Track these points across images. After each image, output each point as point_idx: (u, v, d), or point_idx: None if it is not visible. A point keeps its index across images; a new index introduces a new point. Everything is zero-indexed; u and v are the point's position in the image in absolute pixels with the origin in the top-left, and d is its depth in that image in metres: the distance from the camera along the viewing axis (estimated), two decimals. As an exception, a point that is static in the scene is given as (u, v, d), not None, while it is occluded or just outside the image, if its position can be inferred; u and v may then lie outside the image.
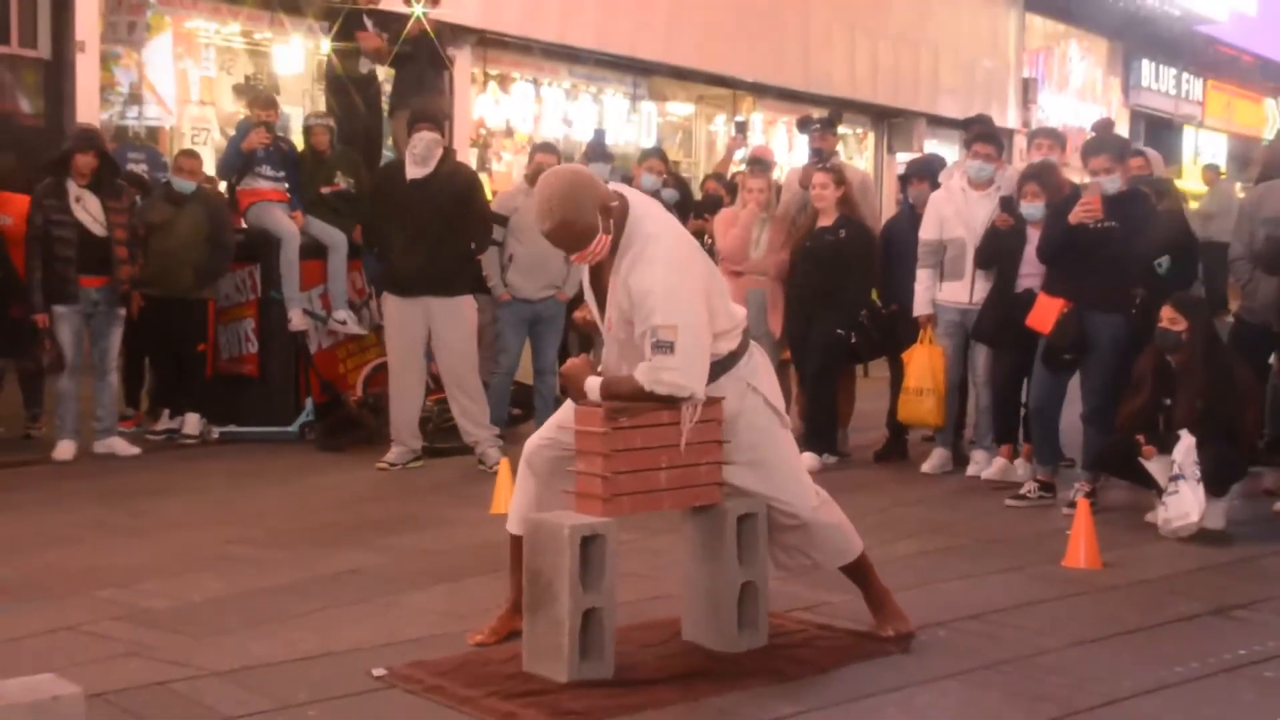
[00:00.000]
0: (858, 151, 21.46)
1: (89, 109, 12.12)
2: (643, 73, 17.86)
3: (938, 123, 22.33)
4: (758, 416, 4.50)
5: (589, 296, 4.55)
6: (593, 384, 4.31)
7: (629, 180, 9.89)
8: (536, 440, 4.61)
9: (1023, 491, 7.24)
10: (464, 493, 7.39)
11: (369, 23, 10.46)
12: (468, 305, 8.18)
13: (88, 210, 8.13)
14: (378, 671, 4.20)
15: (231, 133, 10.54)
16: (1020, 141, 21.82)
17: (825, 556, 4.72)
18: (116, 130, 12.48)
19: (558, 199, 4.20)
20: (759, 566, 4.53)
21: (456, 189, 8.04)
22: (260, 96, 9.90)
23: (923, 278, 8.08)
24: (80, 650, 4.42)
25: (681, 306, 4.16)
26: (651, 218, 4.32)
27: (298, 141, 10.20)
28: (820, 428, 8.36)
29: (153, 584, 5.35)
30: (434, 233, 7.90)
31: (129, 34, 12.73)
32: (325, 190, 9.41)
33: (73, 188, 8.10)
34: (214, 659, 4.34)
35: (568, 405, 4.50)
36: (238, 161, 9.19)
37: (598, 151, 10.37)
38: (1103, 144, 7.37)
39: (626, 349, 4.34)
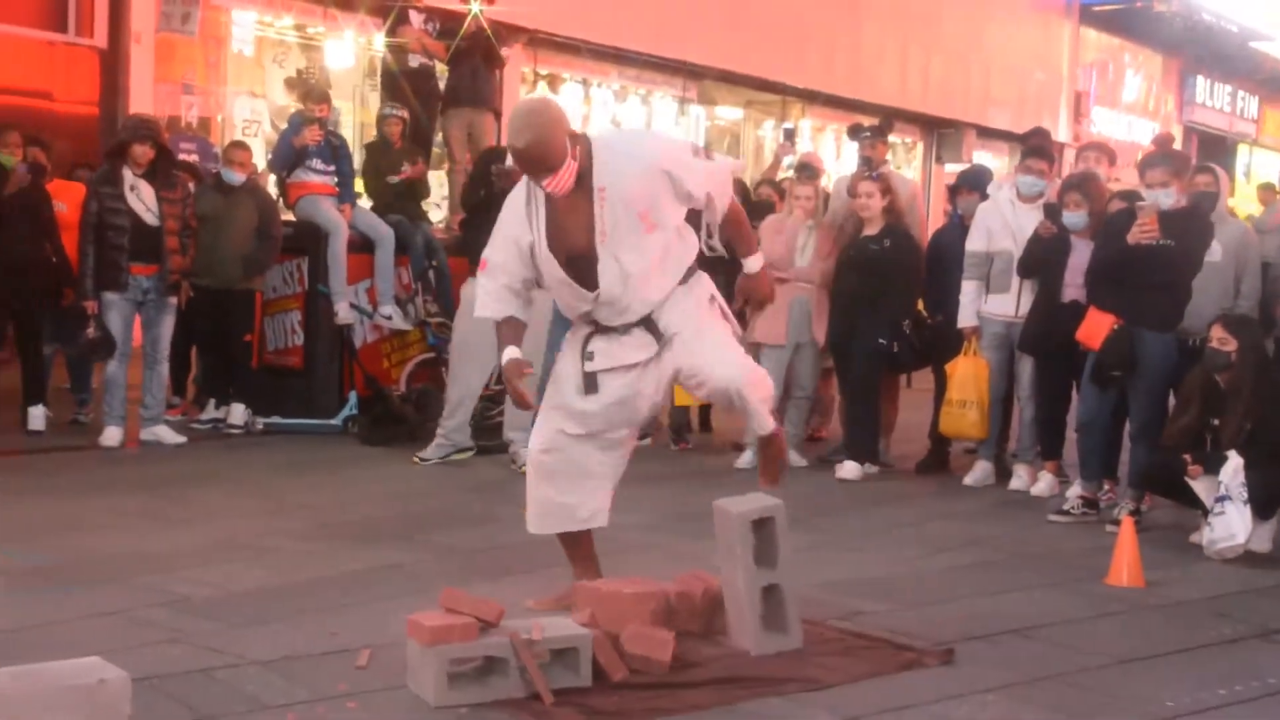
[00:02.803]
0: (906, 161, 21.39)
1: (143, 98, 12.25)
2: (692, 76, 17.87)
3: (987, 134, 22.25)
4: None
5: (542, 243, 4.62)
6: (752, 263, 5.00)
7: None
8: (543, 444, 4.89)
9: (1066, 507, 7.18)
10: (505, 491, 7.39)
11: (417, 18, 10.54)
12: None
13: (142, 199, 8.20)
14: (360, 661, 4.25)
15: (282, 125, 10.64)
16: (1070, 155, 21.68)
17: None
18: (169, 120, 12.59)
19: (535, 115, 4.47)
20: (782, 569, 4.53)
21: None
22: (314, 91, 9.98)
23: (968, 289, 8.04)
24: (123, 635, 4.46)
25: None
26: (614, 141, 4.78)
27: (348, 135, 10.30)
28: (862, 437, 8.34)
29: (195, 572, 5.39)
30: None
31: (183, 24, 12.84)
32: (392, 179, 9.55)
33: (128, 176, 8.18)
34: (255, 648, 4.38)
35: (559, 403, 4.85)
36: (290, 156, 9.27)
37: None
38: (1160, 157, 7.31)
39: (625, 249, 4.56)
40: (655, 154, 4.65)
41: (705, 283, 4.85)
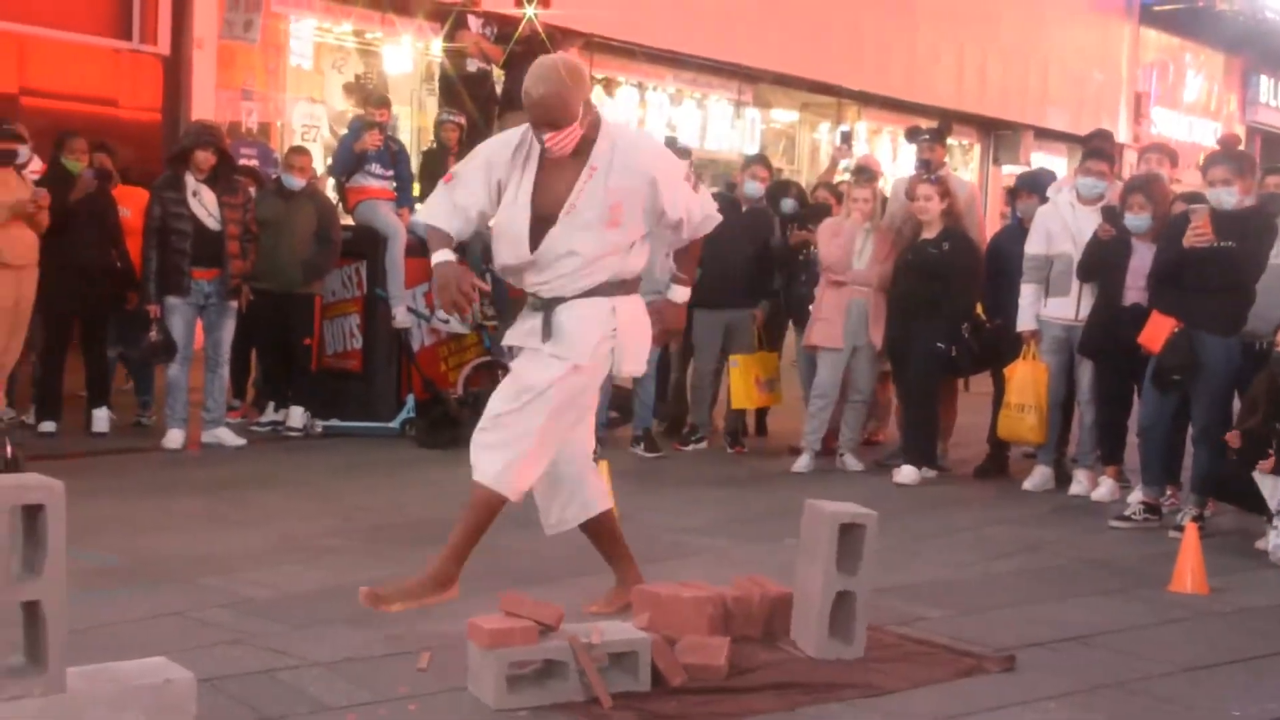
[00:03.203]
0: (963, 163, 21.25)
1: (205, 105, 12.41)
2: (748, 79, 17.85)
3: (1045, 135, 22.06)
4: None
5: (525, 192, 4.66)
6: (680, 292, 5.00)
7: (732, 186, 9.92)
8: None
9: (1128, 513, 7.11)
10: (561, 494, 7.41)
11: (475, 23, 10.60)
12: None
13: (204, 205, 8.30)
14: (421, 663, 4.27)
15: (341, 130, 10.74)
16: (1130, 156, 21.45)
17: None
18: (230, 126, 12.74)
19: (556, 70, 4.55)
20: (860, 578, 4.51)
21: None
22: (374, 96, 10.05)
23: (1027, 293, 7.98)
24: (186, 636, 4.51)
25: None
26: (624, 131, 4.81)
27: (405, 140, 10.37)
28: (920, 441, 8.29)
29: (256, 573, 5.44)
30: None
31: (245, 31, 12.98)
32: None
33: (190, 182, 8.28)
34: (316, 649, 4.42)
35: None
36: (350, 161, 9.34)
37: (672, 149, 10.46)
38: (1223, 156, 7.22)
39: (581, 228, 4.62)
40: (652, 160, 4.73)
41: (624, 310, 4.76)
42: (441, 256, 4.71)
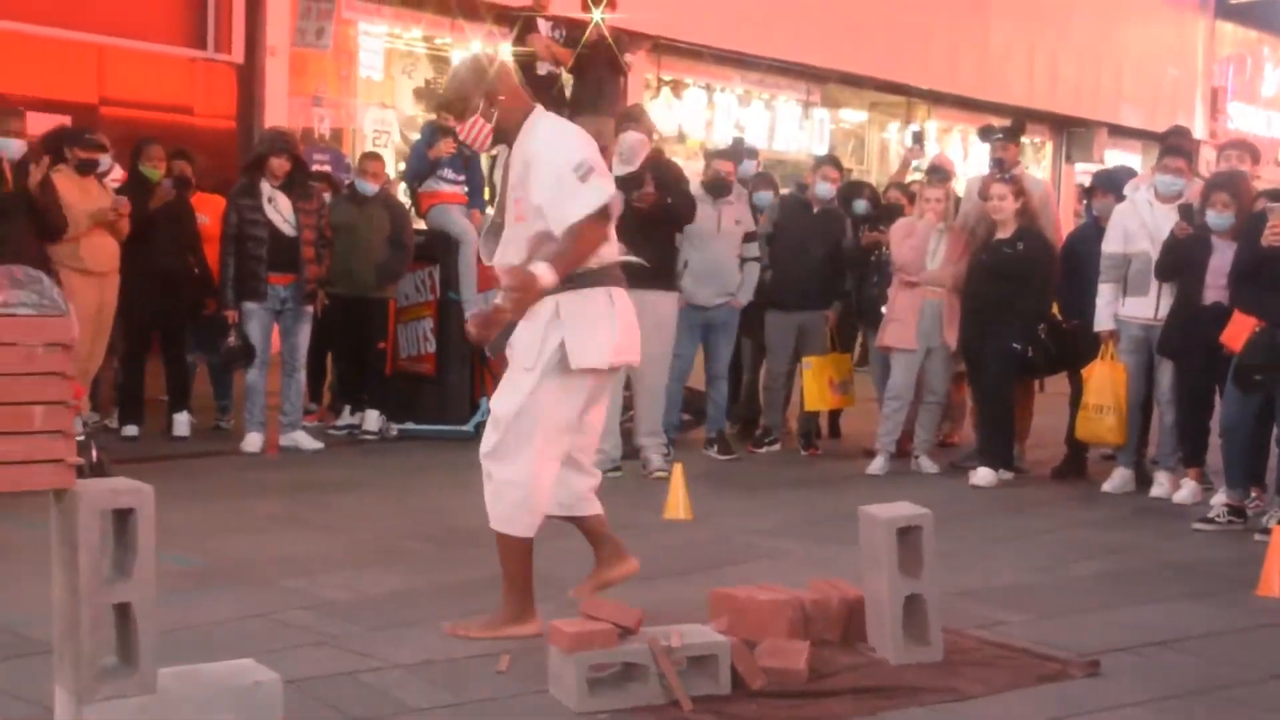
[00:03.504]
0: (1035, 161, 21.04)
1: (278, 112, 12.56)
2: (816, 79, 17.80)
3: (1119, 132, 21.79)
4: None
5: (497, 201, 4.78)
6: (542, 268, 4.39)
7: (803, 188, 9.88)
8: None
9: (1211, 515, 7.00)
10: (635, 497, 7.43)
11: (544, 26, 10.63)
12: (670, 301, 8.13)
13: (279, 211, 8.40)
14: (501, 666, 4.28)
15: (413, 136, 10.81)
16: (1207, 153, 21.13)
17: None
18: (302, 132, 12.89)
19: (459, 66, 4.85)
20: (925, 580, 4.48)
21: (662, 184, 8.00)
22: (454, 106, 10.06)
23: (1105, 292, 7.88)
24: (270, 638, 4.56)
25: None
26: (540, 122, 4.62)
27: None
28: (996, 443, 8.22)
29: (336, 576, 5.49)
30: (633, 226, 7.80)
31: (317, 39, 13.13)
32: None
33: (266, 189, 8.38)
34: (397, 652, 4.45)
35: None
36: (424, 167, 9.40)
37: (740, 151, 10.47)
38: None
39: (508, 226, 4.63)
40: (538, 145, 4.54)
41: (567, 305, 4.49)
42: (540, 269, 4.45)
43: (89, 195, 8.05)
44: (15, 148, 7.67)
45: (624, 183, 7.75)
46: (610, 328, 4.58)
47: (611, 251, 4.66)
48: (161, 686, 3.27)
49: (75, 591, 3.19)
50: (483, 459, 4.65)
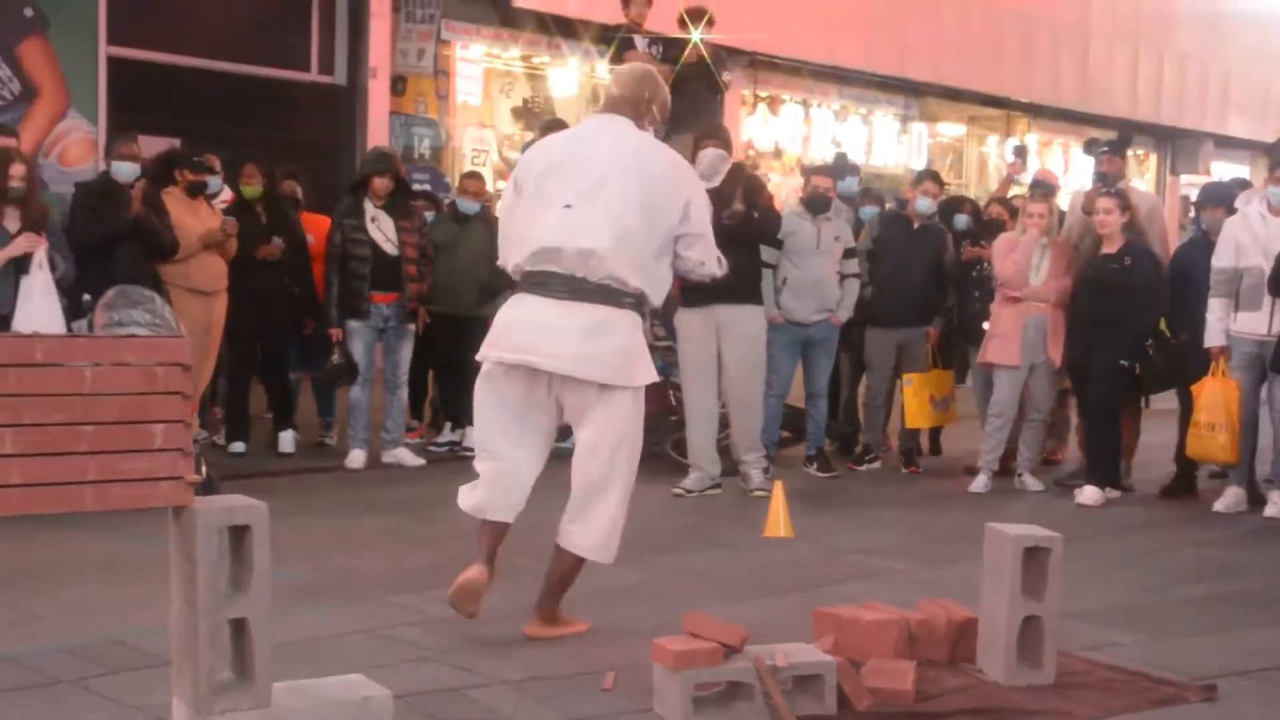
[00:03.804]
0: (1139, 174, 20.67)
1: (380, 132, 12.74)
2: (914, 93, 17.66)
3: (1226, 143, 21.32)
4: None
5: None
6: None
7: (903, 203, 9.80)
8: None
9: (1327, 536, 6.83)
10: (735, 514, 7.42)
11: (641, 43, 10.66)
12: (757, 316, 8.11)
13: (382, 230, 8.51)
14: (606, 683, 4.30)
15: (510, 154, 10.89)
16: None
17: None
18: (403, 151, 13.05)
19: (639, 73, 5.13)
20: (1047, 603, 4.40)
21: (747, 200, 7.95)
22: (554, 123, 10.09)
23: (1216, 307, 7.73)
24: (377, 653, 4.61)
25: None
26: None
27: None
28: (1103, 460, 8.08)
29: (441, 591, 5.49)
30: (719, 243, 7.76)
31: (418, 60, 13.31)
32: None
33: (369, 208, 8.50)
34: (504, 668, 4.47)
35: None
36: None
37: (842, 167, 10.41)
38: None
39: None
40: (696, 181, 5.25)
41: None
42: None
43: (198, 217, 8.23)
44: (127, 171, 7.85)
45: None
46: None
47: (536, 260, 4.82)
48: (275, 701, 3.32)
49: (193, 606, 3.26)
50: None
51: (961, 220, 9.52)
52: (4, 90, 10.93)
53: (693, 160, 8.22)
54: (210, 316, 8.26)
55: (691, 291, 7.81)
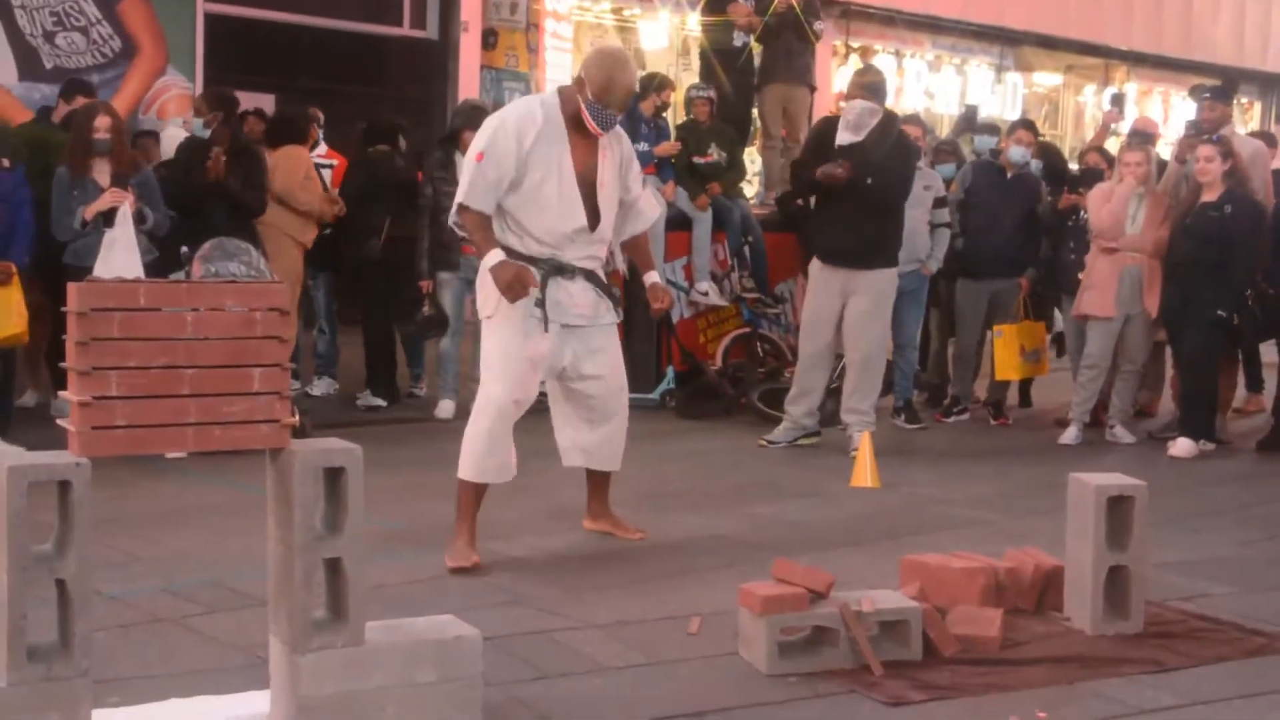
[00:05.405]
0: (1243, 123, 20.15)
1: (471, 86, 12.81)
2: (1010, 42, 17.37)
3: (1334, 91, 20.73)
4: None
5: (569, 172, 5.12)
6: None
7: (996, 152, 9.64)
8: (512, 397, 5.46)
9: None
10: (823, 464, 7.41)
11: None
12: (888, 279, 7.75)
13: (472, 183, 8.57)
14: (692, 628, 4.36)
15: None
16: None
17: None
18: (494, 106, 13.10)
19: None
20: (1135, 551, 4.37)
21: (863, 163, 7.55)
22: (657, 79, 10.04)
23: (1318, 258, 7.56)
24: (467, 596, 4.70)
25: None
26: None
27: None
28: (1198, 413, 7.96)
29: (529, 539, 5.62)
30: (852, 199, 7.50)
31: (510, 14, 13.34)
32: (698, 160, 9.61)
33: (459, 161, 8.55)
34: (590, 613, 4.54)
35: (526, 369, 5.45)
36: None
37: (971, 119, 10.22)
38: None
39: (607, 205, 5.24)
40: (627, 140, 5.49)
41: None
42: (495, 258, 5.10)
43: (308, 182, 8.47)
44: (196, 130, 8.01)
45: (844, 151, 7.55)
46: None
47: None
48: (369, 639, 3.40)
49: (289, 546, 3.34)
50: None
51: (1035, 166, 9.21)
52: (105, 48, 11.14)
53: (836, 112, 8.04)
54: (300, 265, 8.44)
55: (830, 253, 7.68)
